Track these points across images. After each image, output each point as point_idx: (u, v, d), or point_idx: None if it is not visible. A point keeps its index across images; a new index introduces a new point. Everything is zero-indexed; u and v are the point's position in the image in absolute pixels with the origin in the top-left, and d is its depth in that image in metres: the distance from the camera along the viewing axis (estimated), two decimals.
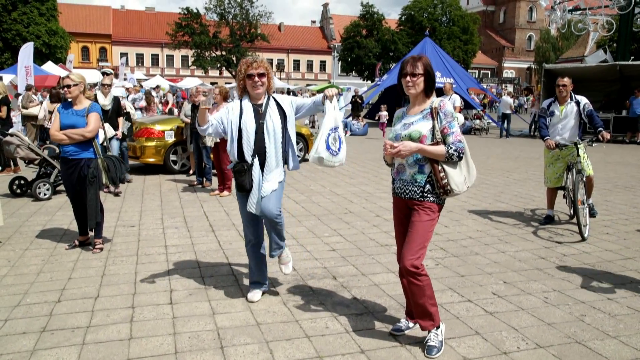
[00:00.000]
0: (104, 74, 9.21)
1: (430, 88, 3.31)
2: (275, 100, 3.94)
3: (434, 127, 3.21)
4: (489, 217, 7.02)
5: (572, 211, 6.64)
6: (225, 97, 8.31)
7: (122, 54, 54.05)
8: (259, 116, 3.83)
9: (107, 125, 7.59)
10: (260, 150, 3.81)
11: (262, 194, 3.81)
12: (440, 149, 3.18)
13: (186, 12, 47.36)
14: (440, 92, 12.62)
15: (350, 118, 22.37)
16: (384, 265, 4.97)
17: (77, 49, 54.87)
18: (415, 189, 3.26)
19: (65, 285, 4.40)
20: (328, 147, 3.58)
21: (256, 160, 3.81)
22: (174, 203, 7.76)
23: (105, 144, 7.20)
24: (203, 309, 3.94)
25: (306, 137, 12.31)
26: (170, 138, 10.31)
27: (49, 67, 26.23)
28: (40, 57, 34.33)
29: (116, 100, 8.60)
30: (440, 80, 20.70)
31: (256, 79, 3.79)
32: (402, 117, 3.41)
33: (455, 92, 13.12)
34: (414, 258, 3.19)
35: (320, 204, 7.78)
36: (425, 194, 3.24)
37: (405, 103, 3.70)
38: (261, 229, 4.09)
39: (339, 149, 3.62)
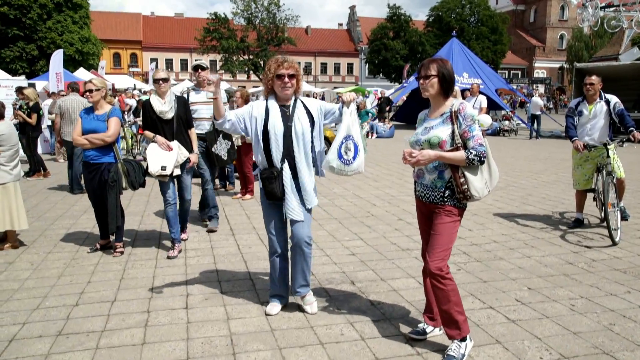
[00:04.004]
0: (197, 67, 6.22)
1: (447, 90, 3.21)
2: (302, 103, 3.77)
3: (453, 131, 3.13)
4: (515, 220, 6.82)
5: (602, 214, 6.39)
6: (247, 100, 8.32)
7: (152, 60, 55.14)
8: (287, 118, 3.66)
9: (176, 144, 5.33)
10: (289, 154, 3.65)
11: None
12: (460, 154, 3.08)
13: (214, 17, 47.89)
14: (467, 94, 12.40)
15: (377, 120, 22.22)
16: (404, 270, 4.86)
17: (109, 55, 56.06)
18: (436, 194, 3.21)
19: (84, 289, 4.42)
20: (340, 156, 3.50)
21: (286, 165, 3.65)
22: (195, 207, 7.76)
23: (172, 173, 5.26)
24: (218, 314, 3.90)
25: (330, 139, 12.26)
26: None
27: (81, 73, 26.81)
28: (73, 64, 35.19)
29: (181, 102, 5.54)
30: (467, 81, 20.40)
31: (286, 79, 3.62)
32: (424, 121, 3.35)
33: (482, 93, 12.87)
34: (438, 260, 3.15)
35: (342, 207, 7.69)
36: (445, 199, 3.18)
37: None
38: (287, 238, 3.90)
39: (353, 158, 3.51)
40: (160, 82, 5.38)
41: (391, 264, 5.07)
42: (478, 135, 3.13)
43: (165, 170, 5.19)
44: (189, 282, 4.59)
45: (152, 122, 5.40)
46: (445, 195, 3.17)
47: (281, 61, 3.65)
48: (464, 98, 11.73)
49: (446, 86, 3.20)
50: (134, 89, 31.85)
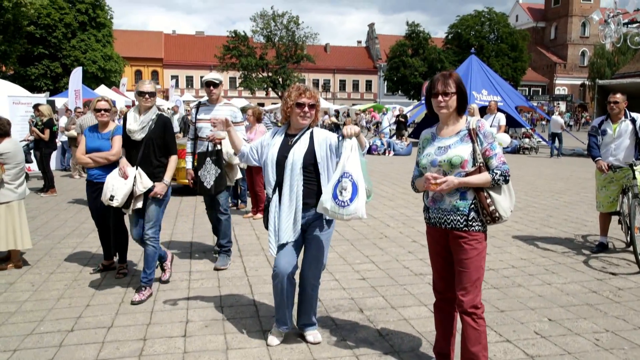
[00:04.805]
0: (209, 84, 5.53)
1: (463, 106, 3.01)
2: (312, 135, 3.54)
3: (474, 150, 2.91)
4: (535, 243, 6.52)
5: (628, 239, 6.07)
6: (259, 118, 8.19)
7: (173, 77, 55.78)
8: (286, 148, 3.50)
9: (133, 172, 4.53)
10: (280, 185, 3.49)
11: (281, 238, 3.44)
12: (485, 177, 2.87)
13: (234, 35, 48.42)
14: (485, 111, 12.15)
15: (394, 137, 21.99)
16: (416, 297, 4.61)
17: (131, 73, 56.91)
18: (459, 217, 2.93)
19: (82, 313, 4.26)
20: (335, 197, 3.15)
21: (275, 196, 3.50)
22: (206, 226, 7.60)
23: (130, 205, 4.57)
24: (217, 343, 3.70)
25: None
26: None
27: (102, 90, 27.19)
28: (96, 81, 35.82)
29: (161, 124, 4.65)
30: (486, 98, 20.09)
31: (306, 109, 3.45)
32: (434, 140, 3.07)
33: (500, 110, 12.59)
34: (472, 296, 2.92)
35: (355, 228, 7.47)
36: (470, 223, 2.92)
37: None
38: (295, 262, 3.59)
39: (350, 200, 3.11)
40: (147, 96, 4.57)
41: (402, 290, 4.82)
42: (500, 153, 2.94)
43: (112, 200, 4.49)
44: (190, 307, 4.40)
45: (125, 139, 4.73)
46: (470, 218, 2.91)
47: (303, 89, 3.49)
48: (482, 116, 11.47)
49: (463, 103, 3.00)
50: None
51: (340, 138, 3.29)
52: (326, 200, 3.18)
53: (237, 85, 55.13)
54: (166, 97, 41.63)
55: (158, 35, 64.15)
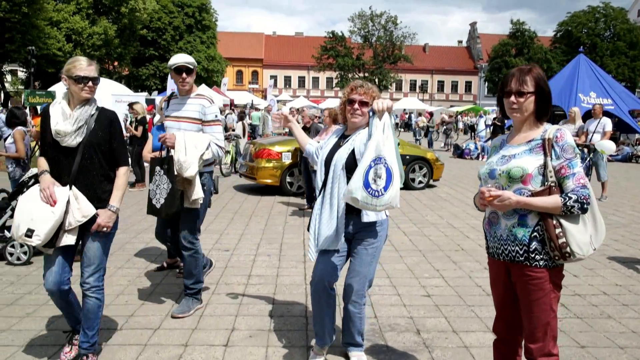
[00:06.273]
0: (179, 70, 4.18)
1: (544, 110, 2.47)
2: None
3: (545, 164, 2.37)
4: (636, 267, 5.71)
5: None
6: (335, 119, 7.97)
7: (272, 77, 57.35)
8: (336, 148, 3.27)
9: (66, 195, 3.09)
10: (324, 187, 3.26)
11: (320, 244, 3.20)
12: (555, 201, 2.32)
13: (331, 36, 48.85)
14: (589, 115, 11.06)
15: (489, 142, 20.88)
16: (483, 322, 4.15)
17: (232, 73, 59.39)
18: (517, 248, 2.42)
19: (135, 312, 4.28)
20: (367, 185, 2.76)
21: (320, 199, 3.27)
22: (277, 228, 7.54)
23: (55, 243, 3.09)
24: (256, 356, 3.52)
25: (431, 162, 11.53)
26: (287, 159, 10.26)
27: (202, 89, 28.34)
28: (199, 81, 37.76)
29: (105, 122, 3.23)
30: (595, 101, 18.44)
31: (356, 106, 3.19)
32: (501, 147, 2.60)
33: (608, 114, 11.40)
34: (543, 345, 2.43)
35: (430, 238, 7.03)
36: (532, 256, 2.38)
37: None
38: (334, 272, 3.30)
39: (385, 188, 2.75)
40: (90, 83, 3.13)
41: (469, 312, 4.37)
42: (580, 173, 2.36)
43: (31, 237, 3.00)
44: (239, 313, 4.28)
45: (47, 145, 3.20)
46: (532, 249, 2.38)
47: (356, 85, 3.26)
48: (584, 121, 10.43)
49: (544, 107, 2.46)
50: (252, 105, 33.27)
51: (371, 114, 2.90)
52: (356, 189, 2.78)
53: (334, 85, 55.59)
54: (264, 97, 42.92)
55: (259, 37, 66.30)
